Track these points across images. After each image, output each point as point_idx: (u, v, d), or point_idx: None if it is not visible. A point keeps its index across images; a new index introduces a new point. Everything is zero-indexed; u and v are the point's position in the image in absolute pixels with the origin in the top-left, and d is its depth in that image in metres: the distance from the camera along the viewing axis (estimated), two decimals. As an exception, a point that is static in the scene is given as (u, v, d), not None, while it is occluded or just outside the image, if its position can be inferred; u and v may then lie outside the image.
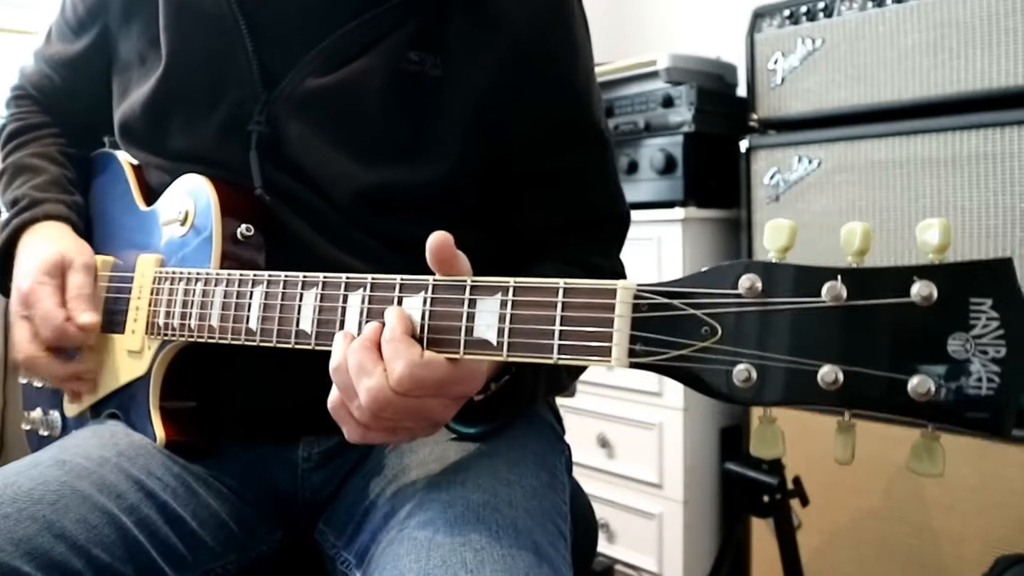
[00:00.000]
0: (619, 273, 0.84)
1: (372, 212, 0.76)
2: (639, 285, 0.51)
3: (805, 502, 1.44)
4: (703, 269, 0.49)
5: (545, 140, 0.80)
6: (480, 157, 0.78)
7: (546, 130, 0.79)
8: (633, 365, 0.50)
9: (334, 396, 0.60)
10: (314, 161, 0.76)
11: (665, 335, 0.49)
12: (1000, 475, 1.34)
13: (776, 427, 0.49)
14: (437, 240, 0.56)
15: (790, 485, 1.42)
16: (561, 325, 0.53)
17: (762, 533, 1.64)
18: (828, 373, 0.44)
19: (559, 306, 0.53)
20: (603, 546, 1.89)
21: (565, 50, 0.80)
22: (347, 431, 0.60)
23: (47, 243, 0.80)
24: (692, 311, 0.49)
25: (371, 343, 0.57)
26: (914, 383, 0.42)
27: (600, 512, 1.83)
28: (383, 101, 0.76)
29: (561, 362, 0.52)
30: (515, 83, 0.77)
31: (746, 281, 0.47)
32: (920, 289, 0.42)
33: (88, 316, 0.76)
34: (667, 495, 1.79)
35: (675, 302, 0.49)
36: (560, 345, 0.52)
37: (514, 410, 0.74)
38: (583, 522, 0.87)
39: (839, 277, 0.45)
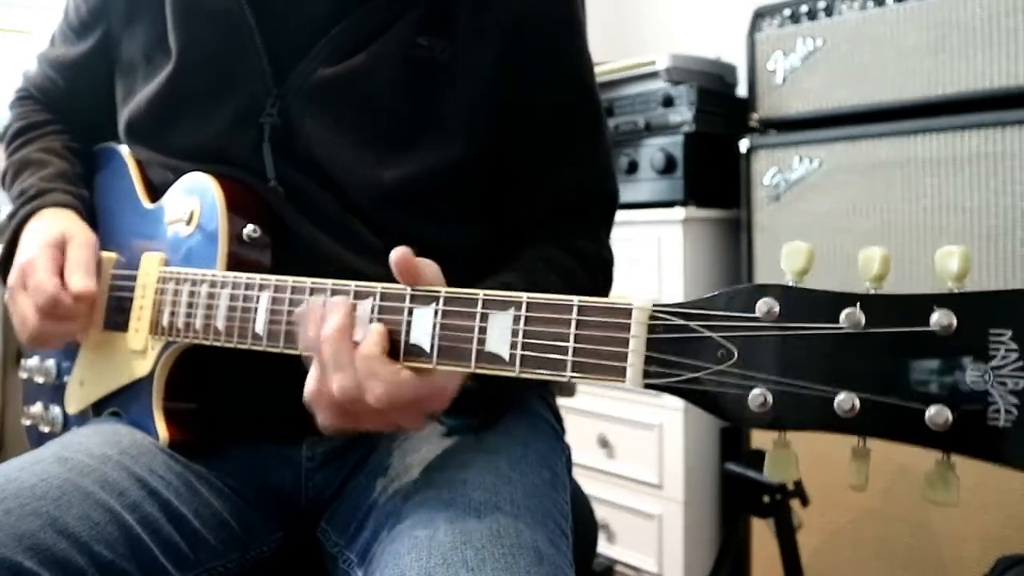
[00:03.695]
0: (606, 260, 0.85)
1: (382, 204, 0.76)
2: (655, 305, 0.51)
3: (805, 502, 1.43)
4: (719, 292, 0.49)
5: (544, 119, 0.81)
6: (488, 141, 0.79)
7: (546, 109, 0.80)
8: (648, 386, 0.50)
9: (311, 385, 0.61)
10: (326, 152, 0.76)
11: (680, 357, 0.49)
12: (1000, 475, 1.33)
13: (790, 451, 0.48)
14: (398, 253, 0.59)
15: (790, 485, 1.42)
16: (575, 343, 0.52)
17: (762, 533, 1.64)
18: (845, 400, 0.44)
19: (573, 324, 0.53)
20: (603, 546, 1.89)
21: (565, 29, 0.81)
22: (320, 417, 0.61)
23: (50, 224, 0.80)
24: (708, 333, 0.48)
25: (346, 338, 0.59)
26: (931, 413, 0.42)
27: (600, 512, 1.82)
28: (395, 88, 0.76)
29: (574, 380, 0.52)
30: (517, 63, 0.78)
31: (763, 305, 0.47)
32: (940, 318, 0.42)
33: (80, 281, 0.75)
34: (667, 495, 1.79)
35: (691, 324, 0.49)
36: (574, 363, 0.52)
37: (497, 406, 0.75)
38: (583, 522, 0.87)
39: (858, 303, 0.44)
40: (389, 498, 0.69)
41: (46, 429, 0.91)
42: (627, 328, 0.51)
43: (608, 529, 1.89)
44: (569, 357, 0.52)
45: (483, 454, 0.70)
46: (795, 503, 1.43)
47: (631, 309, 0.51)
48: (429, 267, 0.61)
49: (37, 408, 0.92)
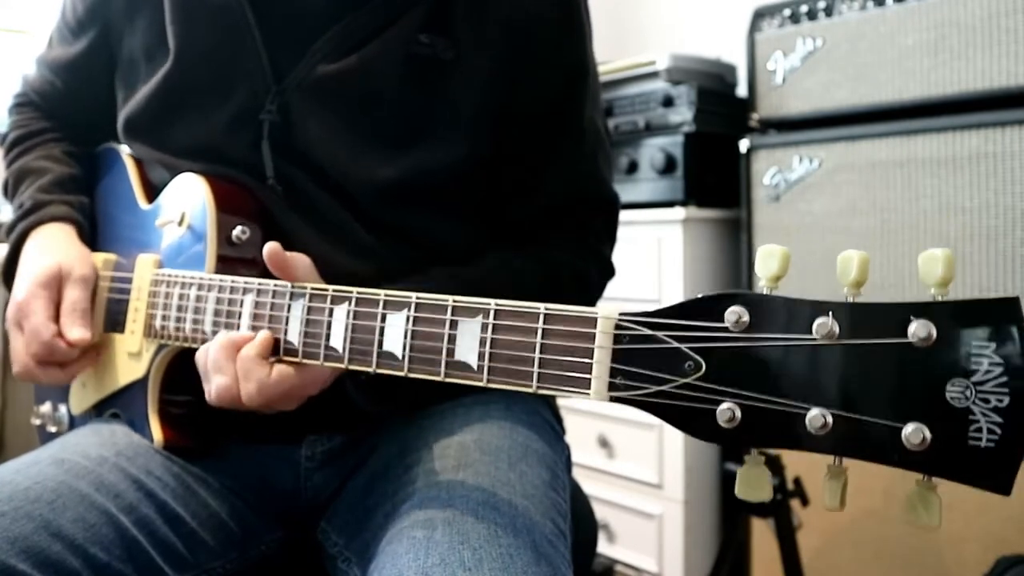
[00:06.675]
0: (581, 272, 0.83)
1: (380, 203, 0.76)
2: (621, 314, 0.49)
3: (805, 502, 1.43)
4: (689, 298, 0.46)
5: (535, 122, 0.80)
6: (489, 142, 0.79)
7: (537, 112, 0.80)
8: (613, 399, 0.48)
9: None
10: (326, 150, 0.76)
11: (647, 369, 0.47)
12: (1000, 476, 1.33)
13: (763, 470, 0.46)
14: (269, 248, 0.64)
15: (790, 485, 1.42)
16: (541, 353, 0.51)
17: (762, 533, 1.64)
18: (817, 417, 0.41)
19: (539, 332, 0.51)
20: (603, 546, 1.89)
21: (563, 32, 0.80)
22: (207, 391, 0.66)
23: (47, 252, 0.80)
24: (676, 344, 0.46)
25: (232, 345, 0.64)
26: (908, 431, 0.39)
27: (600, 512, 1.82)
28: (395, 86, 0.76)
29: (540, 392, 0.51)
30: (514, 64, 0.77)
31: (732, 314, 0.44)
32: (918, 329, 0.39)
33: (78, 332, 0.75)
34: (667, 495, 1.79)
35: (658, 334, 0.47)
36: (540, 374, 0.51)
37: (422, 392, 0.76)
38: (583, 522, 0.87)
39: (831, 313, 0.41)
40: (388, 498, 0.69)
41: (53, 429, 0.91)
42: (592, 338, 0.49)
43: (608, 529, 1.89)
44: (535, 368, 0.51)
45: (482, 455, 0.70)
46: (795, 503, 1.43)
47: (596, 318, 0.49)
48: (301, 261, 0.65)
49: (46, 408, 0.92)
